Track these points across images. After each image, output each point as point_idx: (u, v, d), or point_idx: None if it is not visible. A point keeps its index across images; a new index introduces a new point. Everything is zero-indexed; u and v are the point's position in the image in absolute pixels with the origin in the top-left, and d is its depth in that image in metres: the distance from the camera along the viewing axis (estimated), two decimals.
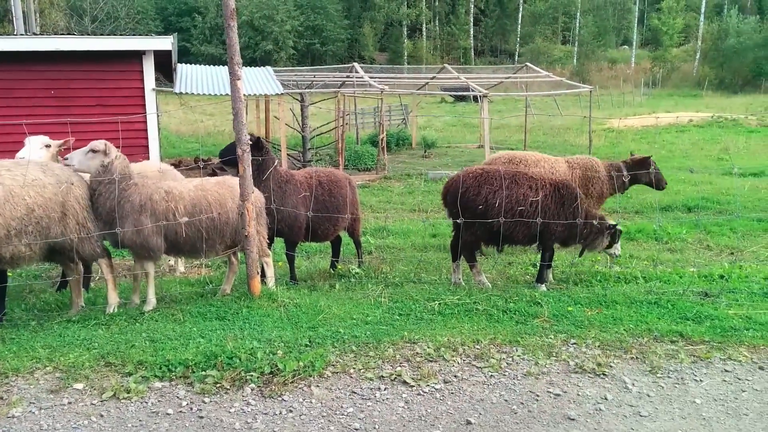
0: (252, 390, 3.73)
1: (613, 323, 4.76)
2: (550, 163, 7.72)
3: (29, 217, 4.51)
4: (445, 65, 23.22)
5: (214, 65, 20.35)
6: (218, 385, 3.75)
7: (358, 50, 61.50)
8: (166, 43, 12.52)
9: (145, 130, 12.49)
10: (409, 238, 9.39)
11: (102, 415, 3.43)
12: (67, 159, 4.83)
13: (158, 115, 13.03)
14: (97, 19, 34.43)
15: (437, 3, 67.15)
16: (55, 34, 13.97)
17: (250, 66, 24.89)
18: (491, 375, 3.94)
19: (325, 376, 3.92)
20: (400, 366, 4.04)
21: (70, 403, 3.55)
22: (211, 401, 3.61)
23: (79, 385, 3.72)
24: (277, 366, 3.91)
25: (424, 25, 65.44)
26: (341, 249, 7.49)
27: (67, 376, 3.80)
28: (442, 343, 4.34)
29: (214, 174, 16.89)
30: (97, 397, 3.61)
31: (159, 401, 3.59)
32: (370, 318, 5.02)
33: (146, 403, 3.57)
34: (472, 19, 66.33)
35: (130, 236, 4.95)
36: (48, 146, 5.74)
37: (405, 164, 19.28)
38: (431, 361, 4.13)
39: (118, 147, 5.25)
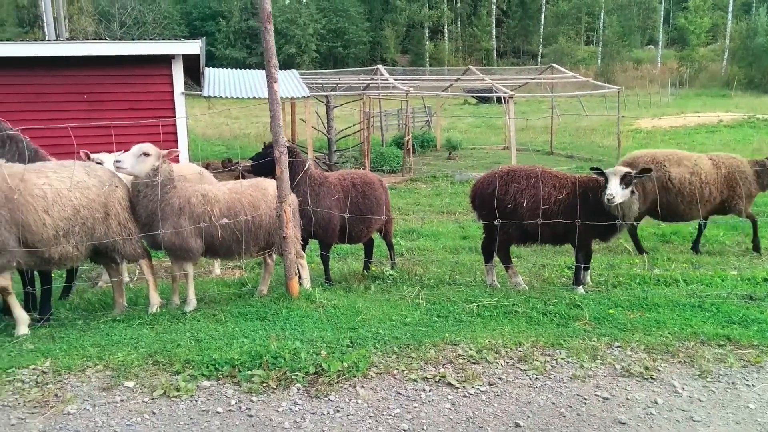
0: (298, 390, 3.75)
1: (657, 326, 4.70)
2: (693, 161, 7.69)
3: (75, 217, 4.61)
4: (470, 67, 23.18)
5: (238, 69, 20.60)
6: (265, 385, 3.79)
7: (380, 53, 61.62)
8: (195, 47, 12.70)
9: (175, 133, 12.65)
10: (440, 240, 9.39)
11: (154, 413, 3.48)
12: (119, 162, 4.86)
13: (186, 119, 13.19)
14: (125, 25, 34.97)
15: (459, 4, 67.02)
16: (85, 40, 14.24)
17: None
18: (536, 378, 3.92)
19: (369, 376, 3.93)
20: (443, 367, 4.04)
21: (122, 400, 3.61)
22: (258, 400, 3.64)
23: (130, 383, 3.78)
24: (321, 366, 3.94)
25: (445, 27, 65.38)
26: (374, 251, 7.52)
27: (118, 374, 3.87)
28: (483, 345, 4.33)
29: (242, 177, 17.04)
30: (148, 395, 3.67)
31: (208, 399, 3.64)
32: (409, 319, 5.03)
33: (196, 401, 3.62)
34: (494, 21, 66.07)
35: (169, 238, 5.02)
36: None
37: (430, 166, 19.26)
38: (474, 363, 4.12)
39: None
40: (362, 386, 3.82)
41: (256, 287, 6.18)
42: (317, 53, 57.63)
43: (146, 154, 4.92)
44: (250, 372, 3.89)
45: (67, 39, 18.16)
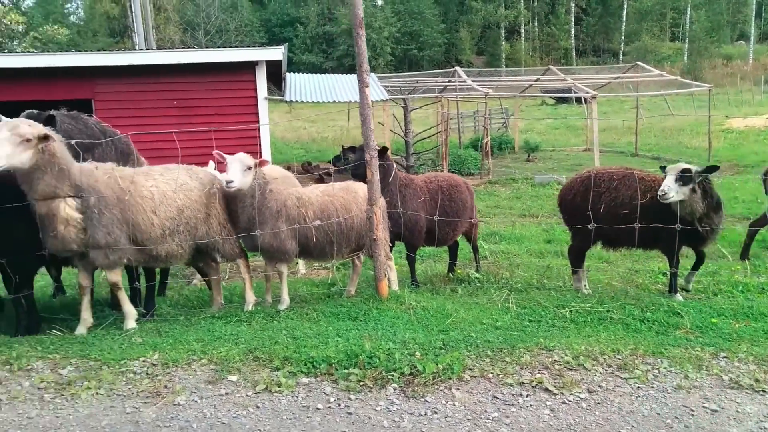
0: (394, 390, 3.79)
1: (766, 337, 4.45)
2: None
3: (180, 217, 4.87)
4: (550, 66, 22.72)
5: (315, 73, 21.08)
6: (362, 384, 3.85)
7: (455, 54, 61.25)
8: (278, 53, 13.11)
9: (258, 137, 13.06)
10: (524, 243, 9.26)
11: (258, 407, 3.61)
12: (231, 182, 4.86)
13: (267, 124, 13.55)
14: (210, 33, 36.46)
15: (536, 3, 65.70)
16: (174, 48, 14.91)
17: (350, 73, 25.42)
18: (638, 387, 3.80)
19: (464, 379, 3.92)
20: (539, 373, 3.98)
21: (227, 393, 3.76)
22: (356, 399, 3.71)
23: (233, 378, 3.93)
24: (416, 367, 3.96)
25: (522, 27, 64.20)
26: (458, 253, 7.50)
27: (221, 369, 4.03)
28: (580, 352, 4.23)
29: (321, 180, 17.44)
30: (251, 389, 3.80)
31: (308, 396, 3.74)
32: (500, 323, 4.99)
33: (296, 397, 3.72)
34: (573, 19, 64.34)
35: (268, 240, 5.17)
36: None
37: (509, 168, 19.01)
38: (571, 370, 4.03)
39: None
40: (458, 389, 3.81)
41: (343, 287, 6.29)
42: (392, 56, 57.96)
43: (249, 168, 5.00)
44: (346, 371, 3.97)
45: (158, 48, 19.09)
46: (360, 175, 5.75)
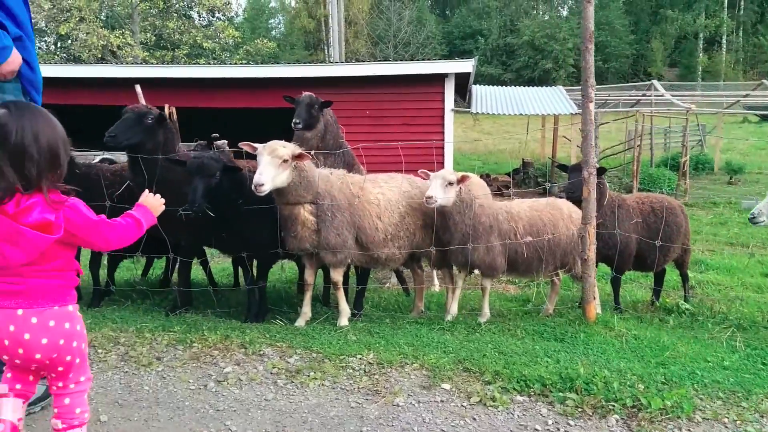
0: (617, 421, 3.59)
1: None
2: None
3: (401, 223, 5.07)
4: (763, 81, 20.42)
5: (493, 85, 20.95)
6: (579, 410, 3.70)
7: (643, 66, 57.46)
8: (468, 66, 13.25)
9: (442, 147, 13.25)
10: (735, 275, 8.39)
11: (474, 419, 3.61)
12: (431, 198, 4.79)
13: (452, 139, 13.65)
14: (397, 47, 37.97)
15: (742, 12, 59.42)
16: (369, 62, 15.68)
17: (528, 85, 24.89)
18: None
19: (695, 420, 3.61)
20: None
21: (442, 401, 3.81)
22: (576, 425, 3.57)
23: (446, 386, 3.98)
24: (639, 400, 3.72)
25: (724, 37, 58.44)
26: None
27: (434, 375, 4.10)
28: None
29: (499, 192, 17.16)
30: (465, 400, 3.82)
31: (524, 415, 3.67)
32: (727, 363, 4.54)
33: (512, 414, 3.67)
34: None
35: (481, 256, 5.16)
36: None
37: (707, 191, 17.40)
38: None
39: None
40: (689, 430, 3.52)
41: (535, 304, 6.14)
42: (574, 68, 55.81)
43: (450, 184, 4.90)
44: (562, 394, 3.84)
45: (348, 60, 20.22)
46: (575, 196, 5.42)
